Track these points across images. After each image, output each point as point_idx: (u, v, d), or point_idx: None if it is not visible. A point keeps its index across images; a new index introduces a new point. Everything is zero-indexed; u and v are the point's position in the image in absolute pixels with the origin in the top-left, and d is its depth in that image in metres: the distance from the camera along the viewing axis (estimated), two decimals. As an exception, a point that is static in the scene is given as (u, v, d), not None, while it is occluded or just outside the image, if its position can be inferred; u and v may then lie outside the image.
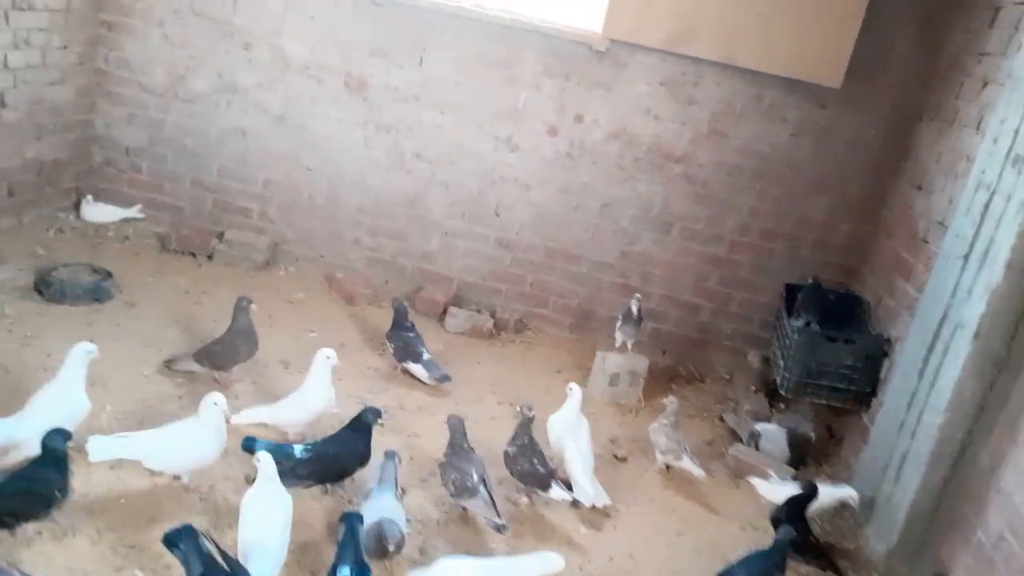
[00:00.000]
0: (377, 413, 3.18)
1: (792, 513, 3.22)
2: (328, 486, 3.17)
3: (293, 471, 2.98)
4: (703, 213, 4.98)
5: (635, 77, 4.80)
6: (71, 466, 2.69)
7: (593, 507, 3.45)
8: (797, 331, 4.15)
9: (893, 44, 4.54)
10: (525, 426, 3.39)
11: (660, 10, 4.52)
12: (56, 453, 2.63)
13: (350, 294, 5.04)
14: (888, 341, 4.06)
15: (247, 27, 5.01)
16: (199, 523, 2.58)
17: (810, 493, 3.27)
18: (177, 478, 3.07)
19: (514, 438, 3.40)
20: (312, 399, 3.49)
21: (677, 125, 4.85)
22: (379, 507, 2.85)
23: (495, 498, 3.17)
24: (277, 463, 2.78)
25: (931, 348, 3.34)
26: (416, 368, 4.29)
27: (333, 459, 3.11)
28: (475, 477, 3.15)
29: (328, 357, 3.51)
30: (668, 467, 3.89)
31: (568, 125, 4.93)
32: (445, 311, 5.04)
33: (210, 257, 5.16)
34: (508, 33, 4.80)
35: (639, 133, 4.89)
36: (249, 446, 3.01)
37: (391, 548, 2.75)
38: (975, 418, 3.13)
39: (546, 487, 3.35)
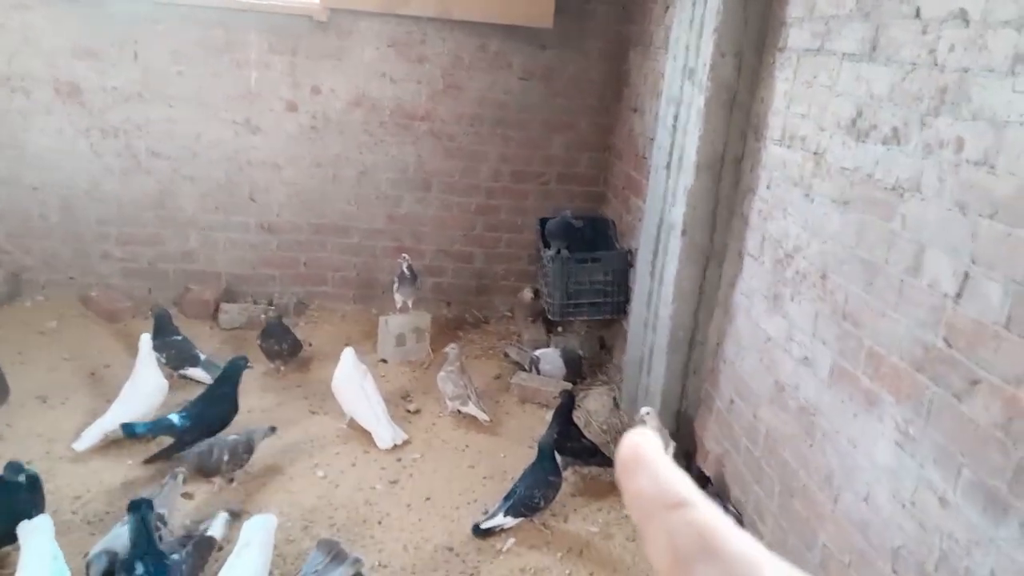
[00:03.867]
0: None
1: (560, 422, 3.51)
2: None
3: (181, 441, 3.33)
4: (456, 166, 5.15)
5: (363, 42, 4.83)
6: None
7: (395, 446, 3.72)
8: (550, 259, 4.46)
9: (593, -19, 4.91)
10: None
11: (372, -26, 4.57)
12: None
13: (110, 311, 4.75)
14: (630, 252, 4.47)
15: (-80, 45, 4.48)
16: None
17: (567, 401, 3.58)
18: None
19: None
20: (150, 388, 3.65)
21: (413, 84, 4.95)
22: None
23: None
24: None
25: (655, 251, 3.73)
26: (196, 372, 4.17)
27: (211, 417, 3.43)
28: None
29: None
30: (459, 411, 4.09)
31: (306, 99, 4.88)
32: (217, 308, 4.90)
33: (-65, 304, 4.68)
34: (224, 16, 4.64)
35: (379, 97, 4.95)
36: (130, 431, 3.36)
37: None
38: (697, 304, 3.56)
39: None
